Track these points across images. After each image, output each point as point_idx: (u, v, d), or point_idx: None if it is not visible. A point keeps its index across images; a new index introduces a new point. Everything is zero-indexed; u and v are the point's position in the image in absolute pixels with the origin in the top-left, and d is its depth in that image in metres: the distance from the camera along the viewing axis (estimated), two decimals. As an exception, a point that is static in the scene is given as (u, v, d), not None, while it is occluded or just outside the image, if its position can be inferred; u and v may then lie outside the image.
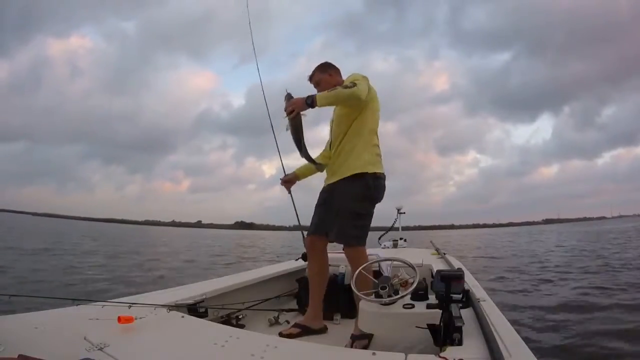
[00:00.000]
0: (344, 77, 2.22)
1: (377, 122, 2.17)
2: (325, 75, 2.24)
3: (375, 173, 2.05)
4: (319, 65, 2.28)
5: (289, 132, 2.09)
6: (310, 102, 1.95)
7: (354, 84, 1.95)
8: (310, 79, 2.28)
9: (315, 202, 2.29)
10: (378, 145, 2.15)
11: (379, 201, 2.12)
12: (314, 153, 2.25)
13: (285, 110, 2.03)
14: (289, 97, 2.07)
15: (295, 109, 2.00)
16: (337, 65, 2.30)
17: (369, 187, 2.03)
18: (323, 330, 2.16)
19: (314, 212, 2.26)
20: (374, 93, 2.13)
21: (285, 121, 2.08)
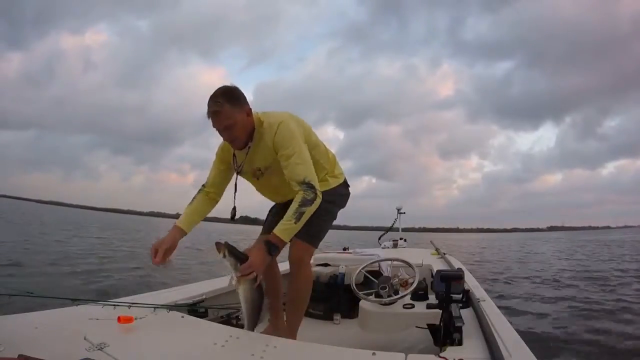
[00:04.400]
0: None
1: (316, 145, 1.78)
2: (241, 114, 1.54)
3: (341, 183, 1.90)
4: (225, 93, 1.51)
5: (240, 296, 1.46)
6: (276, 250, 1.47)
7: (313, 189, 1.51)
8: (214, 118, 1.50)
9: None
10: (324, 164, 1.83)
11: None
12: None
13: (239, 274, 1.40)
14: (226, 254, 1.40)
15: (258, 272, 1.42)
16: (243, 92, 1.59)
17: (339, 194, 1.87)
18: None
19: (269, 213, 1.94)
20: (306, 132, 1.69)
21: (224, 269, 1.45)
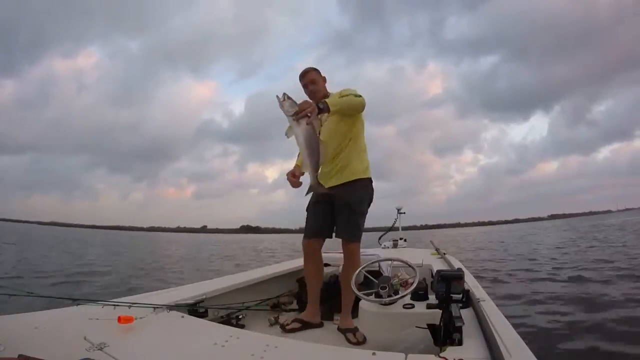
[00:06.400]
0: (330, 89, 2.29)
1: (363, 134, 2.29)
2: (320, 78, 2.24)
3: (370, 178, 2.26)
4: (313, 67, 2.26)
5: (297, 140, 1.76)
6: (323, 107, 1.79)
7: (357, 94, 2.03)
8: (304, 76, 2.21)
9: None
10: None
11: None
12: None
13: (293, 113, 1.70)
14: (286, 98, 1.74)
15: (312, 114, 1.72)
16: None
17: (369, 190, 2.26)
18: (320, 325, 2.30)
19: (311, 215, 2.30)
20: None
21: (286, 124, 1.75)
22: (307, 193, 2.05)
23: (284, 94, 1.76)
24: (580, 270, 7.62)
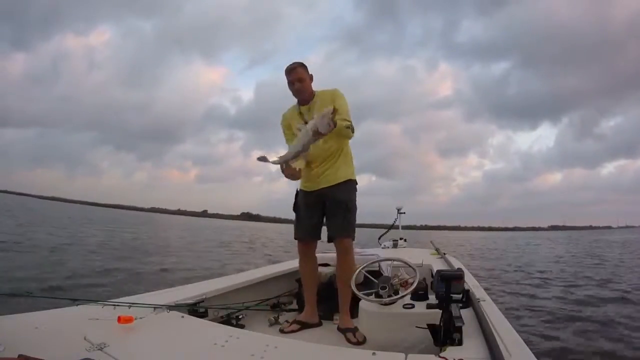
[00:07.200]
0: (322, 86, 2.27)
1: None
2: (308, 76, 2.17)
3: (356, 180, 2.30)
4: (301, 63, 2.17)
5: (296, 141, 1.94)
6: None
7: (353, 127, 2.03)
8: (291, 71, 2.12)
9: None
10: None
11: None
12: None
13: (323, 132, 1.79)
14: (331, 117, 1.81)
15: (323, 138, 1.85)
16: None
17: (356, 191, 2.30)
18: (319, 325, 2.31)
19: (303, 217, 2.28)
20: None
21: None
22: (274, 162, 2.04)
23: (335, 110, 1.79)
24: (578, 281, 7.62)
